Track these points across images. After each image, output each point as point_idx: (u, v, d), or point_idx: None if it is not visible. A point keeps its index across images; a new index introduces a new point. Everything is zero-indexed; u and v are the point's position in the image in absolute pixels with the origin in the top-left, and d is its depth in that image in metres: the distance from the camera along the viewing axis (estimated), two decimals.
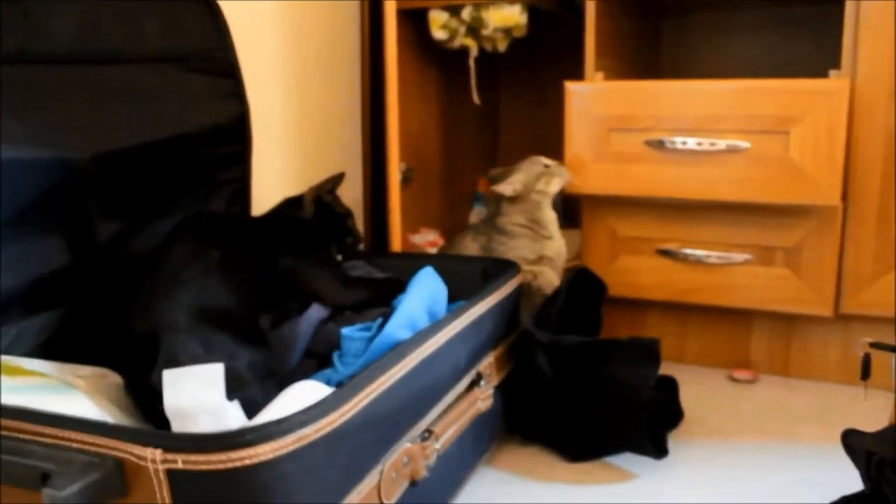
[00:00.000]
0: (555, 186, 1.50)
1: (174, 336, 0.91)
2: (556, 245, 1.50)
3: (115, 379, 0.97)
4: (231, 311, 0.99)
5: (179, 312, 0.94)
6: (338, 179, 1.35)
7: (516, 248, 1.48)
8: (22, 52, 1.03)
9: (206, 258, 1.02)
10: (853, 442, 0.91)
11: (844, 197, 1.40)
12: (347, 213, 1.33)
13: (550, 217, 1.50)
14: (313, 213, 1.28)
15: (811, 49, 1.76)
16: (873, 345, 1.06)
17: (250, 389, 0.89)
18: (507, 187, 1.47)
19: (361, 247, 1.40)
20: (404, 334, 0.98)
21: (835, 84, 1.35)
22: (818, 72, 1.39)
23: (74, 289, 1.10)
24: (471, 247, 1.51)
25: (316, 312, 1.17)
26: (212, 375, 0.80)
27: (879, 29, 1.33)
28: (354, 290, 1.21)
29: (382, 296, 1.18)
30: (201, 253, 1.03)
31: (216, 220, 1.19)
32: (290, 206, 1.29)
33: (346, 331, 1.07)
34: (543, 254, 1.48)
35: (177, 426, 0.75)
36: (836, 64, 1.38)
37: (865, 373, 1.07)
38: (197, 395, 0.77)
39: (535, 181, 1.48)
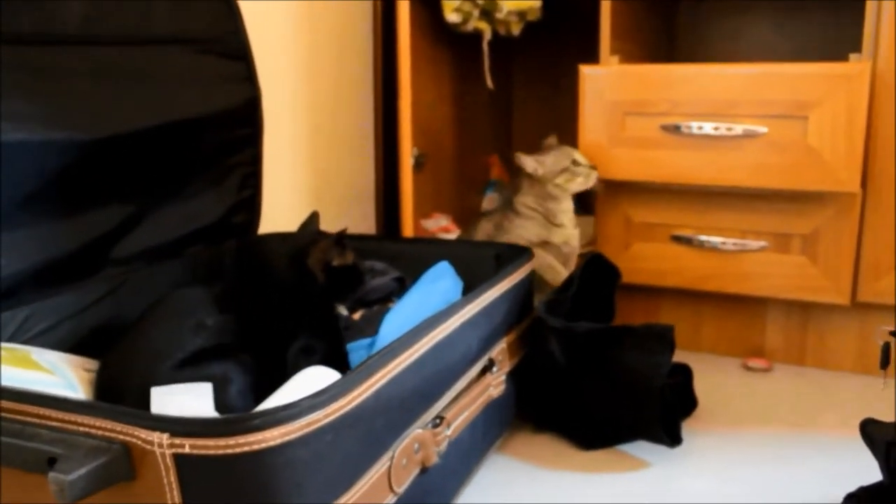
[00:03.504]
0: (576, 187, 1.47)
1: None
2: (566, 234, 1.49)
3: None
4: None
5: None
6: (315, 225, 1.21)
7: (522, 228, 1.48)
8: (30, 34, 1.02)
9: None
10: (872, 432, 0.89)
11: (863, 183, 1.37)
12: (355, 263, 1.17)
13: (564, 208, 1.49)
14: (325, 279, 1.13)
15: (829, 33, 1.73)
16: (893, 333, 1.04)
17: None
18: (529, 163, 1.46)
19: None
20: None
21: (855, 68, 1.32)
22: (836, 55, 1.37)
23: (83, 273, 1.09)
24: (487, 230, 1.51)
25: None
26: (201, 391, 0.80)
27: None
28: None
29: None
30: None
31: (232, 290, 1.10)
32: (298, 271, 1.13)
33: (350, 345, 1.08)
34: (549, 239, 1.47)
35: None
36: (855, 48, 1.35)
37: (885, 361, 1.06)
38: (185, 407, 0.77)
39: (557, 174, 1.46)
